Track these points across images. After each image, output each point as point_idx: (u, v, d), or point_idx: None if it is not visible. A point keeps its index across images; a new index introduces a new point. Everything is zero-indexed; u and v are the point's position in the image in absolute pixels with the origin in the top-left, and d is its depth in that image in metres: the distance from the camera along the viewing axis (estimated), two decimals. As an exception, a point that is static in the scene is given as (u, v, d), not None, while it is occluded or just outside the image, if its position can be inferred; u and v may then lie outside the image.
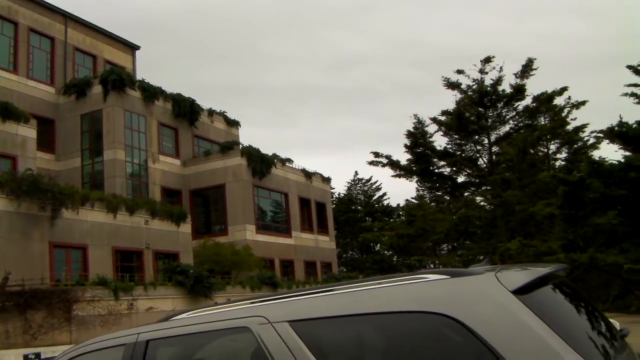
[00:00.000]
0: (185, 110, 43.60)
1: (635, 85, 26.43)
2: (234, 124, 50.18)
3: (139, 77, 43.46)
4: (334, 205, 63.76)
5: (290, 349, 3.72)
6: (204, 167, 43.36)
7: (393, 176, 40.70)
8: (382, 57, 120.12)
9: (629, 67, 26.52)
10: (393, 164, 39.52)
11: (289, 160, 48.58)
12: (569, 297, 4.07)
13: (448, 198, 41.92)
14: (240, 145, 45.80)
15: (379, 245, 62.97)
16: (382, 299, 3.71)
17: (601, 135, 26.61)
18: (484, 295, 3.50)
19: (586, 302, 4.34)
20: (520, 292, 3.44)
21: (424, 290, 3.67)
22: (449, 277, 3.68)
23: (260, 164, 43.79)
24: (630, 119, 24.08)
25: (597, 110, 61.96)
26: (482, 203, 37.72)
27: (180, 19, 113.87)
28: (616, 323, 15.68)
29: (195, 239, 37.46)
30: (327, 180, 53.86)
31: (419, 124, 39.32)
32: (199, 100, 47.10)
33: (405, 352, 3.52)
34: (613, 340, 4.07)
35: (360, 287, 3.91)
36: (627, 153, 24.84)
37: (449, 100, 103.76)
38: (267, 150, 46.06)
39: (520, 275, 3.63)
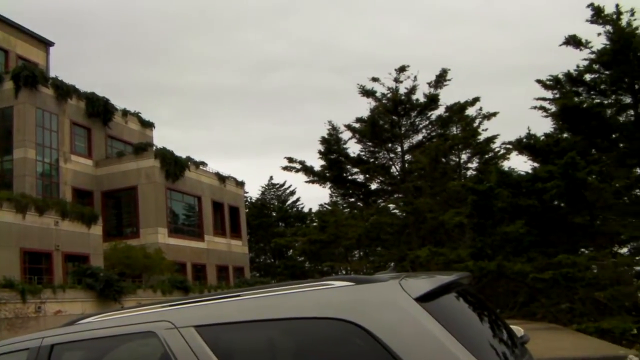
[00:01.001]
0: (99, 109, 42.55)
1: (544, 99, 27.06)
2: (148, 125, 49.32)
3: (52, 74, 42.30)
4: (248, 210, 63.36)
5: (196, 354, 3.67)
6: (117, 168, 42.45)
7: (307, 182, 40.74)
8: (301, 61, 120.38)
9: (538, 81, 27.15)
10: (307, 169, 39.51)
11: (203, 164, 48.05)
12: (472, 305, 4.14)
13: (361, 205, 42.06)
14: (154, 147, 44.98)
15: (291, 250, 62.81)
16: (287, 305, 3.71)
17: (510, 146, 27.08)
18: (387, 303, 3.50)
19: (488, 309, 4.42)
20: (424, 299, 3.46)
21: (329, 296, 3.65)
22: (354, 284, 3.68)
23: (174, 166, 43.12)
24: (539, 132, 24.63)
25: (509, 121, 63.31)
26: (394, 210, 37.99)
27: (96, 17, 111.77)
28: (520, 330, 15.91)
29: (106, 241, 36.58)
30: (240, 184, 53.49)
31: (334, 131, 39.42)
32: (115, 100, 46.29)
33: (310, 358, 3.55)
34: (514, 347, 4.15)
35: (267, 293, 3.88)
36: (536, 164, 25.38)
37: (366, 107, 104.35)
38: (183, 152, 45.62)
39: (423, 283, 3.64)
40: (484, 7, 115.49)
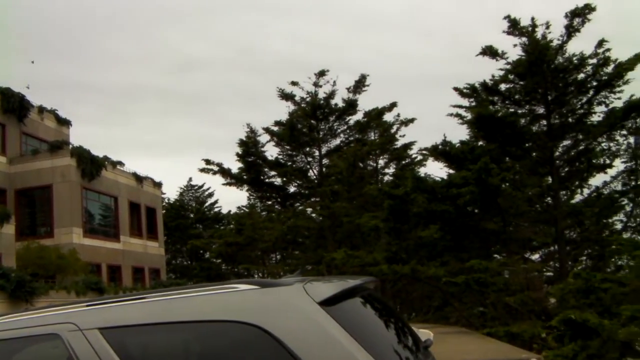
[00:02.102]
0: (15, 105, 40.99)
1: (460, 106, 27.27)
2: (65, 122, 47.85)
3: (-38, 69, 40.71)
4: (165, 211, 62.29)
5: (100, 357, 3.57)
6: (32, 166, 40.93)
7: (224, 184, 40.20)
8: (223, 62, 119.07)
9: (455, 89, 27.36)
10: (224, 172, 38.97)
11: (120, 163, 46.88)
12: (377, 309, 4.17)
13: (279, 208, 41.79)
14: (71, 145, 43.65)
15: (208, 252, 62.05)
16: (192, 308, 3.65)
17: (426, 152, 27.19)
18: (291, 306, 3.50)
19: (393, 313, 4.51)
20: (327, 303, 3.45)
21: (233, 299, 3.63)
22: (259, 287, 3.65)
23: (91, 165, 41.85)
24: (456, 138, 24.82)
25: (429, 128, 63.94)
26: (311, 214, 37.83)
27: (14, 11, 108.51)
28: (429, 334, 15.92)
29: (19, 241, 35.24)
30: (158, 185, 52.45)
31: (252, 133, 39.03)
32: (32, 97, 44.60)
33: None
34: (417, 351, 4.20)
35: (172, 295, 3.79)
36: (451, 171, 25.53)
37: (285, 110, 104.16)
38: (101, 151, 44.32)
39: (327, 287, 3.62)
40: (409, 13, 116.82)
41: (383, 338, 3.90)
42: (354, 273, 23.05)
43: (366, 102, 50.85)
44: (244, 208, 53.25)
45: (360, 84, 36.18)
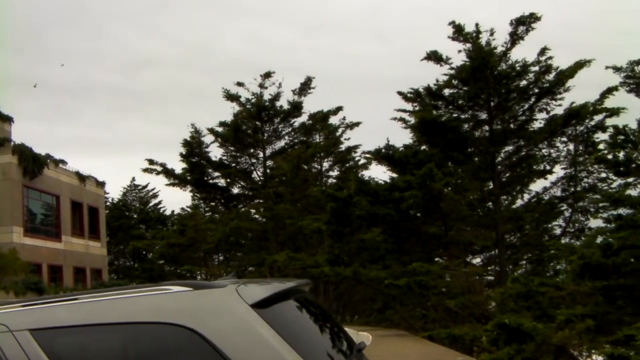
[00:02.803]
0: (-49, 101, 40.04)
1: (404, 110, 27.31)
2: (6, 119, 46.65)
3: None
4: (108, 211, 61.30)
5: (29, 358, 3.44)
6: (-29, 164, 39.96)
7: (167, 185, 39.73)
8: (174, 61, 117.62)
9: (399, 93, 27.40)
10: (167, 172, 38.48)
11: (63, 162, 45.93)
12: (310, 312, 4.15)
13: (222, 209, 41.41)
14: (12, 143, 42.63)
15: (151, 253, 61.29)
16: (124, 309, 3.56)
17: (370, 156, 27.20)
18: (223, 309, 3.45)
19: (327, 316, 4.49)
20: (260, 305, 3.41)
21: (166, 301, 3.55)
22: (192, 289, 3.57)
23: (32, 163, 40.89)
24: (402, 142, 24.86)
25: (375, 131, 63.96)
26: (254, 215, 37.58)
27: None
28: (369, 337, 15.92)
29: (-42, 239, 34.34)
30: (101, 184, 51.54)
31: (196, 134, 38.62)
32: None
33: None
34: (350, 354, 4.15)
35: (105, 296, 3.68)
36: (395, 174, 25.55)
37: (231, 111, 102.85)
38: (46, 149, 43.27)
39: (260, 290, 3.59)
40: (361, 16, 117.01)
41: (316, 341, 3.88)
42: (296, 275, 22.98)
43: (313, 105, 50.77)
44: (188, 209, 52.70)
45: (306, 86, 36.09)
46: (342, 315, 31.18)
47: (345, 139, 37.03)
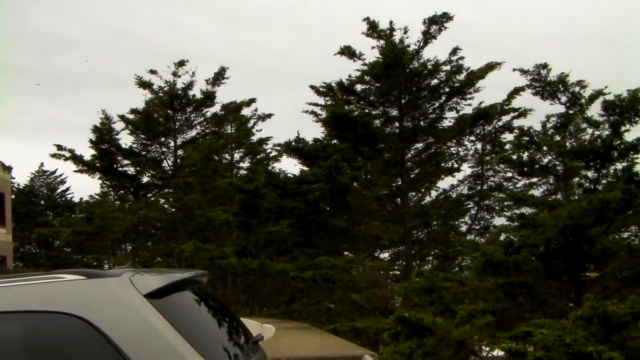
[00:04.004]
0: None
1: (316, 104, 27.18)
2: None
3: None
4: (15, 197, 59.38)
5: None
6: None
7: (75, 171, 38.60)
8: (93, 45, 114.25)
9: (312, 87, 27.25)
10: (76, 158, 37.36)
11: (-34, 146, 44.33)
12: (206, 303, 4.17)
13: (132, 197, 40.54)
14: None
15: (58, 241, 59.69)
16: (15, 298, 3.50)
17: (280, 148, 26.99)
18: (116, 298, 3.42)
19: (223, 307, 4.54)
20: (154, 296, 3.39)
21: (58, 290, 3.50)
22: (85, 278, 3.53)
23: None
24: (314, 135, 24.75)
25: (288, 123, 63.68)
26: (164, 205, 36.92)
27: None
28: (272, 328, 15.81)
29: None
30: (8, 169, 49.80)
31: (107, 120, 37.60)
32: None
33: (36, 353, 3.36)
34: (244, 345, 4.22)
35: None
36: (305, 167, 25.41)
37: (143, 98, 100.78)
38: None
39: (154, 280, 3.56)
40: (279, 8, 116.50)
41: (211, 333, 3.87)
42: (204, 266, 22.75)
43: (226, 95, 49.95)
44: (97, 197, 51.46)
45: (219, 76, 35.54)
46: (251, 307, 30.91)
47: (257, 131, 36.69)
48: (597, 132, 21.58)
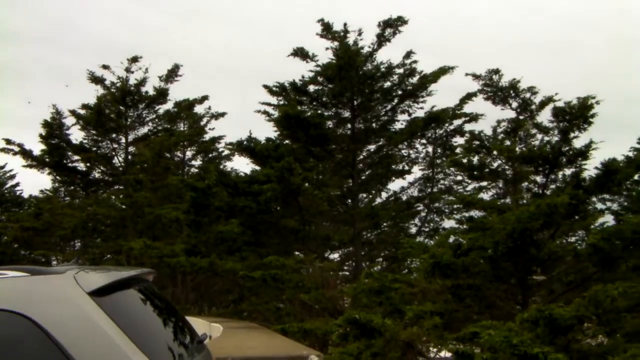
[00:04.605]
0: None
1: (269, 104, 26.99)
2: None
3: None
4: (-39, 191, 58.11)
5: None
6: None
7: (24, 166, 37.75)
8: (41, 37, 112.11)
9: (265, 86, 27.08)
10: (25, 153, 36.55)
11: None
12: (152, 302, 4.10)
13: (83, 194, 39.84)
14: None
15: (5, 237, 58.46)
16: None
17: (232, 147, 26.74)
18: (60, 296, 3.35)
19: (169, 306, 4.50)
20: (98, 293, 3.34)
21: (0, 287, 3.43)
22: (28, 274, 3.47)
23: None
24: (267, 135, 24.61)
25: (243, 122, 63.24)
26: (114, 202, 36.32)
27: None
28: (219, 327, 15.68)
29: None
30: (-47, 163, 48.79)
31: (57, 115, 36.82)
32: None
33: None
34: (190, 344, 4.19)
35: None
36: (256, 167, 25.22)
37: (94, 94, 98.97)
38: None
39: (99, 277, 3.50)
40: (235, 5, 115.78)
41: (155, 331, 3.82)
42: (153, 264, 22.44)
43: (179, 92, 49.13)
44: (48, 192, 50.52)
45: (173, 73, 35.04)
46: (200, 306, 30.63)
47: (209, 129, 36.24)
48: (546, 138, 21.83)
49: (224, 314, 25.56)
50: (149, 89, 35.24)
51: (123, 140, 35.99)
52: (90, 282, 3.41)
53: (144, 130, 36.25)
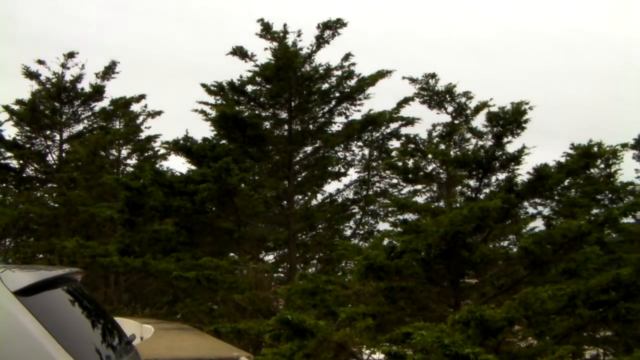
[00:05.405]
0: None
1: (206, 103, 26.61)
2: None
3: None
4: None
5: None
6: None
7: (-47, 161, 36.51)
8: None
9: (203, 85, 26.68)
10: (-47, 148, 35.35)
11: None
12: (79, 302, 3.99)
13: (17, 191, 38.77)
14: None
15: None
16: None
17: (168, 146, 26.30)
18: None
19: (97, 307, 4.37)
20: (24, 293, 3.23)
21: None
22: None
23: None
24: (204, 134, 24.32)
25: (178, 120, 62.47)
26: (48, 200, 35.44)
27: None
28: (151, 329, 15.43)
29: None
30: None
31: (-8, 111, 35.71)
32: None
33: None
34: (118, 345, 4.12)
35: None
36: (193, 167, 24.86)
37: (29, 89, 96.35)
38: None
39: (24, 276, 3.38)
40: (175, 2, 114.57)
41: (82, 331, 3.72)
42: (86, 264, 22.06)
43: (116, 89, 48.07)
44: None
45: (109, 70, 34.23)
46: (133, 307, 30.08)
47: (146, 128, 35.58)
48: (480, 143, 21.99)
49: (157, 315, 25.16)
50: (85, 85, 34.46)
51: (57, 138, 35.05)
52: (16, 281, 3.29)
53: (79, 127, 35.39)
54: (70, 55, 33.40)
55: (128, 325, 15.78)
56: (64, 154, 34.95)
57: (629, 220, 23.05)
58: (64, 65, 33.72)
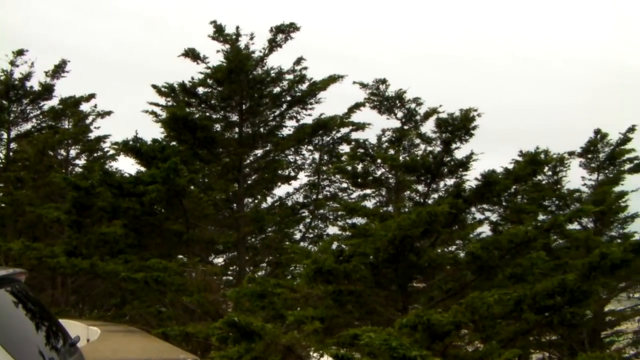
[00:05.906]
0: None
1: (157, 104, 26.28)
2: None
3: None
4: None
5: None
6: None
7: None
8: None
9: (154, 86, 26.32)
10: None
11: None
12: (23, 303, 3.90)
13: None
14: None
15: None
16: None
17: (117, 147, 25.87)
18: None
19: (41, 308, 4.27)
20: None
21: None
22: None
23: None
24: (154, 135, 24.05)
25: (129, 121, 61.70)
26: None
27: None
28: (97, 331, 15.23)
29: None
30: None
31: None
32: None
33: None
34: (62, 347, 4.04)
35: None
36: (142, 168, 24.50)
37: None
38: None
39: None
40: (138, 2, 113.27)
41: (25, 333, 3.65)
42: (32, 265, 21.59)
43: (65, 88, 47.12)
44: None
45: (60, 69, 33.54)
46: (81, 310, 29.59)
47: (95, 128, 34.95)
48: (429, 148, 22.10)
49: (104, 318, 24.82)
50: (34, 84, 33.76)
51: (5, 136, 34.28)
52: None
53: (27, 126, 34.63)
54: (20, 52, 32.67)
55: (74, 327, 15.52)
56: (11, 153, 34.19)
57: (574, 226, 23.53)
58: (12, 63, 33.00)
